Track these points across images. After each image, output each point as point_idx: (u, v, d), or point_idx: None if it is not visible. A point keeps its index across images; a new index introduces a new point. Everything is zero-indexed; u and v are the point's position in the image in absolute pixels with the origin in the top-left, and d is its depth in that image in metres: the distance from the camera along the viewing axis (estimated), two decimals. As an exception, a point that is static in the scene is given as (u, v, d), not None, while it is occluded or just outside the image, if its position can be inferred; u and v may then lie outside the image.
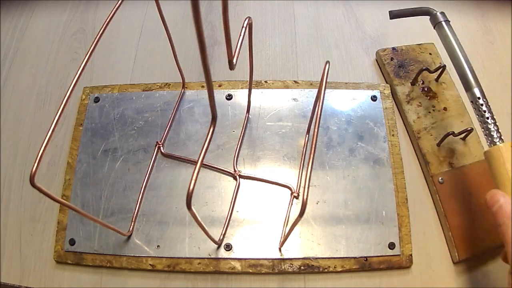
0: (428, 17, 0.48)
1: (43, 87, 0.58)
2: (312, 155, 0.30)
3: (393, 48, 0.57)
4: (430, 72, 0.51)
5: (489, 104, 0.40)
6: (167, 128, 0.51)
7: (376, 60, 0.59)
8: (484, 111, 0.40)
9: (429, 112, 0.52)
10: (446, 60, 0.58)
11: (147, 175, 0.49)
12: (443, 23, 0.43)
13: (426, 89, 0.54)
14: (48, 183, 0.51)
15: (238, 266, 0.44)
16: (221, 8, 0.26)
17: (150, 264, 0.45)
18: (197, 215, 0.30)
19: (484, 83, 0.56)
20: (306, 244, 0.45)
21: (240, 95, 0.54)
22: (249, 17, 0.34)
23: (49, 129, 0.28)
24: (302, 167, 0.49)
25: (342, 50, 0.60)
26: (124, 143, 0.51)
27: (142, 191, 0.48)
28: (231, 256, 0.45)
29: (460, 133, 0.47)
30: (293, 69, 0.58)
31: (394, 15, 0.48)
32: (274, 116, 0.52)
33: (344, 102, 0.53)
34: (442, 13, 0.43)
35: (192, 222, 0.45)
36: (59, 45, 0.62)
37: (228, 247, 0.45)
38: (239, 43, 0.33)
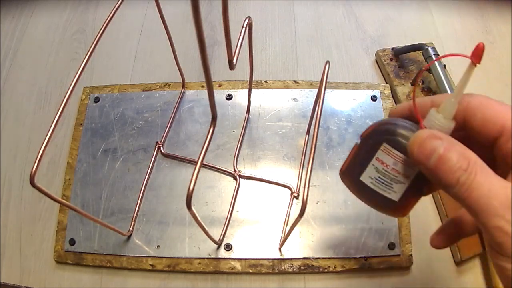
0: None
1: (43, 87, 0.58)
2: (312, 155, 0.30)
3: (393, 49, 0.57)
4: (430, 72, 0.51)
5: None
6: (167, 128, 0.51)
7: (376, 61, 0.59)
8: None
9: (429, 112, 0.52)
10: (446, 60, 0.58)
11: (147, 175, 0.49)
12: (433, 56, 0.51)
13: (426, 89, 0.54)
14: (48, 183, 0.51)
15: (238, 266, 0.44)
16: (221, 8, 0.26)
17: (150, 264, 0.45)
18: (197, 215, 0.30)
19: (484, 83, 0.57)
20: (306, 244, 0.45)
21: (240, 95, 0.54)
22: (249, 17, 0.34)
23: (49, 129, 0.28)
24: (302, 167, 0.49)
25: (342, 50, 0.60)
26: (124, 143, 0.51)
27: (142, 191, 0.48)
28: (231, 256, 0.44)
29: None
30: (293, 69, 0.58)
31: (396, 51, 0.57)
32: (274, 116, 0.52)
33: (344, 102, 0.53)
34: (433, 48, 0.52)
35: (192, 222, 0.45)
36: (59, 45, 0.62)
37: (228, 247, 0.45)
38: (239, 43, 0.33)
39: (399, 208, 0.26)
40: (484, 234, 0.22)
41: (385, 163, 0.25)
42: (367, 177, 0.26)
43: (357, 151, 0.27)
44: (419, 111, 0.25)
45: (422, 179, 0.25)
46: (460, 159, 0.21)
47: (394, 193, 0.26)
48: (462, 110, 0.24)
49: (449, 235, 0.30)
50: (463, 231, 0.30)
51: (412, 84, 0.54)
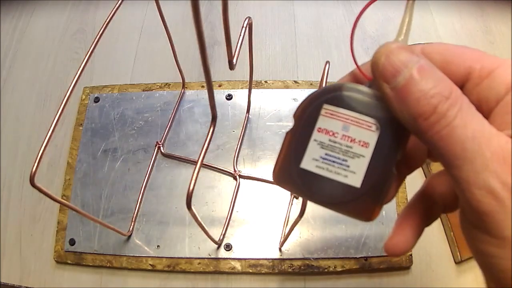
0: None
1: (43, 87, 0.58)
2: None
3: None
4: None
5: None
6: (167, 128, 0.51)
7: (376, 60, 0.59)
8: None
9: (429, 112, 0.52)
10: (446, 60, 0.58)
11: (147, 175, 0.49)
12: None
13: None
14: (48, 183, 0.51)
15: (238, 266, 0.44)
16: (221, 8, 0.26)
17: (150, 264, 0.45)
18: (197, 215, 0.30)
19: (484, 83, 0.57)
20: (306, 244, 0.45)
21: (240, 95, 0.54)
22: (249, 17, 0.34)
23: (49, 129, 0.28)
24: (302, 167, 0.49)
25: (342, 50, 0.60)
26: (124, 143, 0.51)
27: (142, 191, 0.48)
28: (231, 256, 0.44)
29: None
30: (293, 69, 0.58)
31: None
32: (274, 116, 0.52)
33: (344, 102, 0.53)
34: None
35: (192, 222, 0.45)
36: (59, 45, 0.62)
37: (228, 247, 0.45)
38: (239, 43, 0.33)
39: (365, 200, 0.18)
40: (462, 199, 0.16)
41: (331, 130, 0.18)
42: (310, 160, 0.19)
43: (291, 136, 0.20)
44: (364, 76, 0.20)
45: (390, 144, 0.18)
46: (440, 84, 0.16)
47: (353, 175, 0.18)
48: None
49: (414, 228, 0.21)
50: (430, 214, 0.22)
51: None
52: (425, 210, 0.21)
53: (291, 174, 0.19)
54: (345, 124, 0.18)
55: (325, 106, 0.19)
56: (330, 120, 0.18)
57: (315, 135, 0.19)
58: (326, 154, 0.18)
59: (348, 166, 0.18)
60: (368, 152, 0.18)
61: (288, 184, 0.20)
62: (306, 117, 0.19)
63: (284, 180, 0.20)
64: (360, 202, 0.18)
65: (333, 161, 0.18)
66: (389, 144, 0.18)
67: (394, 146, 0.18)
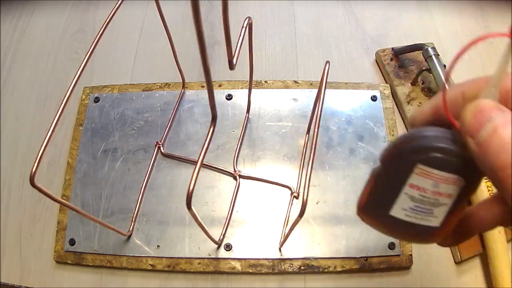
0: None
1: (43, 87, 0.58)
2: (312, 155, 0.30)
3: (393, 49, 0.57)
4: (430, 72, 0.51)
5: None
6: (167, 128, 0.51)
7: (376, 61, 0.59)
8: None
9: (429, 112, 0.52)
10: (446, 60, 0.58)
11: (147, 175, 0.49)
12: (433, 56, 0.51)
13: (426, 89, 0.54)
14: (48, 183, 0.51)
15: (238, 266, 0.44)
16: (221, 8, 0.26)
17: (150, 264, 0.45)
18: (197, 215, 0.30)
19: (484, 83, 0.57)
20: (306, 244, 0.45)
21: (240, 95, 0.54)
22: (249, 17, 0.34)
23: (49, 129, 0.28)
24: (302, 167, 0.49)
25: (342, 50, 0.60)
26: (124, 143, 0.51)
27: (142, 191, 0.48)
28: (231, 256, 0.44)
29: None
30: (293, 69, 0.58)
31: (396, 51, 0.57)
32: (274, 116, 0.52)
33: (344, 102, 0.53)
34: (433, 48, 0.52)
35: (192, 222, 0.45)
36: (59, 45, 0.62)
37: (228, 247, 0.45)
38: (239, 43, 0.33)
39: (438, 233, 0.21)
40: None
41: (422, 187, 0.20)
42: (400, 209, 0.21)
43: (380, 181, 0.22)
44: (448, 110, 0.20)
45: (469, 192, 0.21)
46: None
47: (435, 219, 0.21)
48: (503, 99, 0.19)
49: (457, 233, 0.24)
50: (470, 230, 0.24)
51: (413, 84, 0.54)
52: (463, 228, 0.24)
53: (379, 217, 0.22)
54: (436, 183, 0.20)
55: (420, 166, 0.20)
56: (422, 179, 0.20)
57: (407, 189, 0.21)
58: (415, 206, 0.21)
59: (432, 213, 0.21)
60: (450, 201, 0.20)
61: (374, 224, 0.23)
62: (397, 170, 0.21)
63: (370, 219, 0.23)
64: (432, 236, 0.22)
65: (421, 211, 0.21)
66: (469, 193, 0.21)
67: (472, 192, 0.21)
